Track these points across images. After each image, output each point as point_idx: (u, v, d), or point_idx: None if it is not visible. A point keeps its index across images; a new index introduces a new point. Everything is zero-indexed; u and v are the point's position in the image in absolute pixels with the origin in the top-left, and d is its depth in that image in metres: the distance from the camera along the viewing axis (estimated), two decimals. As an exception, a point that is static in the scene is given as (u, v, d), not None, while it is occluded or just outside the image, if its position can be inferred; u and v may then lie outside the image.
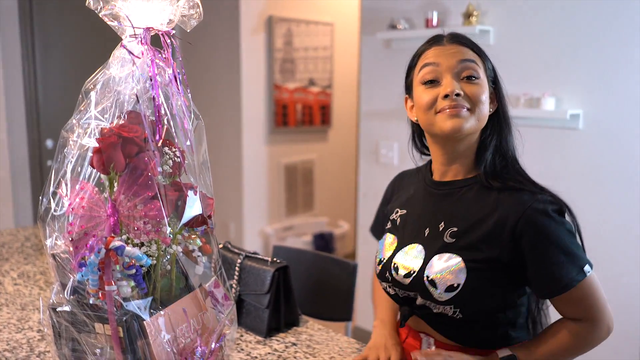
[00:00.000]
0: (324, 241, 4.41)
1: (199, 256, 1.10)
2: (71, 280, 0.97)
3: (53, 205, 1.00)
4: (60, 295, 0.99)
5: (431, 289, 1.16)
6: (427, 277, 1.17)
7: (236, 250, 1.54)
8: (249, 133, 4.10)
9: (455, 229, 1.19)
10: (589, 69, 2.29)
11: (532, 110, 2.41)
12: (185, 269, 1.10)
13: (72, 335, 0.98)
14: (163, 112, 1.02)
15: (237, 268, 1.49)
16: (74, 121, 1.01)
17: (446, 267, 1.15)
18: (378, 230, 1.49)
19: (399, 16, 2.91)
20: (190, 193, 1.02)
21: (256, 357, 1.32)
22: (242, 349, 1.36)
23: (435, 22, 2.73)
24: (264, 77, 4.18)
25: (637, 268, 2.23)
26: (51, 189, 1.00)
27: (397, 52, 2.98)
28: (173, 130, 1.03)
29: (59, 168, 1.01)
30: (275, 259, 1.46)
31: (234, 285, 1.48)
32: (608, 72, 2.24)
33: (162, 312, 0.98)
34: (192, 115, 1.08)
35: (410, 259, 1.23)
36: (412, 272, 1.21)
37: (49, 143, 3.80)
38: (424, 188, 1.31)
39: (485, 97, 1.18)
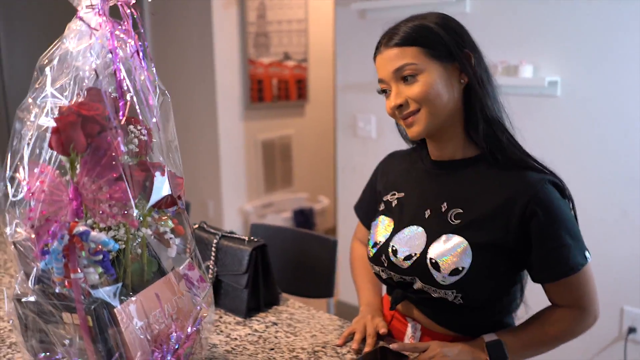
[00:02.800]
0: (304, 217, 4.38)
1: (171, 238, 1.05)
2: (35, 269, 0.92)
3: (11, 190, 0.94)
4: (25, 285, 0.94)
5: (434, 273, 1.13)
6: (431, 259, 1.13)
7: (212, 230, 1.50)
8: (225, 109, 4.02)
9: (460, 210, 1.15)
10: (567, 36, 2.26)
11: (510, 78, 2.38)
12: (157, 252, 1.05)
13: (39, 326, 0.94)
14: (125, 87, 0.96)
15: (213, 248, 1.44)
16: (30, 100, 0.95)
17: (451, 249, 1.12)
18: (363, 210, 1.45)
19: (373, -15, 2.84)
20: (157, 173, 0.97)
21: (236, 339, 1.29)
22: (222, 331, 1.33)
23: (410, -10, 2.66)
24: (238, 52, 4.09)
25: (617, 231, 2.24)
26: (8, 173, 0.94)
27: (373, 22, 2.92)
28: (137, 107, 0.98)
29: (16, 150, 0.94)
30: (252, 238, 1.42)
31: (210, 266, 1.44)
32: (586, 38, 2.21)
33: (133, 299, 0.94)
34: (158, 91, 1.02)
35: (410, 241, 1.18)
36: (413, 254, 1.17)
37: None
38: (422, 169, 1.27)
39: (432, 88, 1.12)
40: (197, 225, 1.54)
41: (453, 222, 1.15)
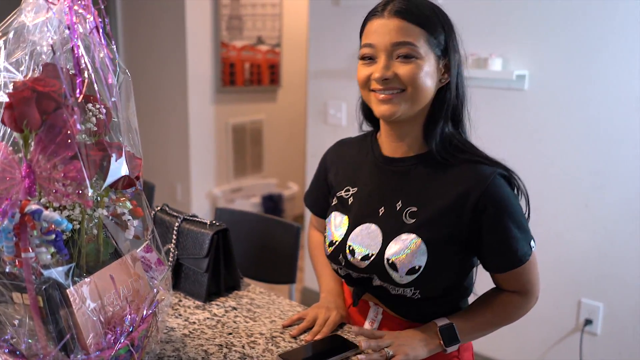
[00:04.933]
0: (273, 203, 4.37)
1: (129, 220, 1.03)
2: (-16, 247, 0.89)
3: (-38, 166, 0.91)
4: (-26, 264, 0.92)
5: (391, 272, 1.14)
6: (387, 260, 1.14)
7: (174, 213, 1.48)
8: (195, 92, 3.98)
9: (414, 209, 1.15)
10: (536, 30, 2.29)
11: (480, 70, 2.40)
12: (114, 234, 1.04)
13: (-12, 306, 0.91)
14: (83, 65, 0.94)
15: (174, 231, 1.43)
16: (-17, 74, 0.92)
17: (407, 249, 1.12)
18: (313, 199, 1.44)
19: (347, -29, 2.82)
20: (115, 153, 0.95)
21: (194, 323, 1.28)
22: (180, 315, 1.32)
23: (384, -22, 2.66)
24: (210, 34, 4.04)
25: (578, 224, 2.28)
26: (-42, 148, 0.91)
27: (346, 9, 2.90)
28: (96, 85, 0.95)
29: (-33, 126, 0.92)
30: (214, 222, 1.41)
31: (171, 249, 1.42)
32: (554, 33, 2.24)
33: (87, 280, 0.92)
34: (118, 70, 1.00)
35: (366, 240, 1.18)
36: (370, 254, 1.17)
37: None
38: (374, 163, 1.25)
39: (422, 75, 1.10)
40: (159, 208, 1.52)
41: (408, 221, 1.15)
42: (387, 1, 1.14)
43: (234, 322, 1.29)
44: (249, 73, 4.34)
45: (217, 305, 1.37)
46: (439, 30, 1.13)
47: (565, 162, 2.29)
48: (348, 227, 1.23)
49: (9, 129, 0.93)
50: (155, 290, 1.05)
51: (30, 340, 0.90)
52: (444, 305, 1.22)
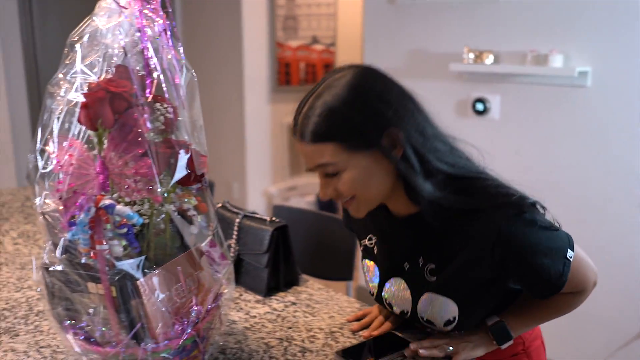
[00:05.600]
0: (327, 201, 4.38)
1: (194, 215, 1.07)
2: (62, 239, 0.94)
3: (41, 162, 0.97)
4: (52, 255, 0.97)
5: (430, 325, 1.14)
6: (422, 317, 1.14)
7: (235, 210, 1.52)
8: (251, 92, 4.04)
9: (432, 266, 1.12)
10: (599, 25, 2.22)
11: (539, 67, 2.35)
12: (180, 228, 1.08)
13: (65, 295, 0.97)
14: (153, 66, 0.98)
15: (235, 228, 1.47)
16: (60, 75, 0.97)
17: (436, 307, 1.11)
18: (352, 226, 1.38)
19: (403, -31, 2.82)
20: (182, 151, 0.99)
21: (255, 316, 1.31)
22: (242, 308, 1.35)
23: (441, -25, 2.64)
24: (266, 34, 4.09)
25: (642, 227, 2.21)
26: (39, 146, 0.97)
27: (402, 8, 2.89)
28: (164, 85, 1.00)
29: (46, 124, 0.97)
30: (274, 219, 1.44)
31: (232, 245, 1.46)
32: (618, 27, 2.17)
33: (156, 272, 0.96)
34: (185, 70, 1.04)
35: (398, 297, 1.18)
36: (406, 311, 1.17)
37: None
38: (385, 217, 1.17)
39: (358, 180, 1.03)
40: (220, 205, 1.56)
41: (430, 278, 1.12)
42: (294, 118, 1.07)
43: (294, 316, 1.31)
44: (304, 73, 4.38)
45: (277, 300, 1.40)
46: (349, 128, 1.01)
47: (630, 162, 2.21)
48: (380, 279, 1.22)
49: (84, 128, 0.98)
50: (218, 283, 1.09)
51: (103, 328, 0.95)
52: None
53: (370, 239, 1.25)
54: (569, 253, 1.07)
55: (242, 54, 3.94)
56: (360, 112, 1.00)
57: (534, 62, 2.38)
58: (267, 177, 4.28)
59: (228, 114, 4.13)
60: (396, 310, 1.19)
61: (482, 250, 1.05)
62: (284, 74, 4.22)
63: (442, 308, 1.11)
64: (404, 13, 2.87)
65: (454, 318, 1.10)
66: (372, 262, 1.24)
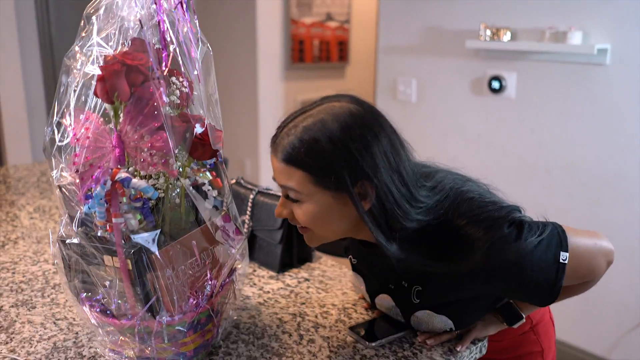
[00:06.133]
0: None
1: (208, 190, 1.07)
2: (78, 212, 0.95)
3: (58, 136, 0.97)
4: (69, 228, 0.98)
5: (427, 332, 1.13)
6: (417, 330, 1.14)
7: (249, 186, 1.52)
8: (265, 69, 4.02)
9: (419, 288, 1.08)
10: (619, 1, 2.17)
11: (557, 44, 2.31)
12: (195, 202, 1.08)
13: (81, 268, 0.98)
14: (168, 39, 0.97)
15: (249, 204, 1.47)
16: (77, 48, 0.97)
17: (429, 322, 1.10)
18: None
19: (420, -56, 2.77)
20: (198, 125, 0.99)
21: (268, 292, 1.32)
22: (255, 284, 1.36)
23: (458, -50, 2.59)
24: (280, 11, 4.06)
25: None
26: (55, 119, 0.97)
27: (418, -17, 2.85)
28: (180, 59, 0.99)
29: (63, 97, 0.97)
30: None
31: (246, 220, 1.47)
32: (636, 4, 2.12)
33: (170, 245, 0.97)
34: (200, 44, 1.03)
35: (391, 312, 1.17)
36: (400, 322, 1.16)
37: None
38: (361, 243, 1.14)
39: (317, 216, 0.99)
40: (234, 180, 1.56)
41: (416, 300, 1.09)
42: (277, 129, 1.04)
43: (307, 292, 1.32)
44: (318, 50, 4.34)
45: (290, 276, 1.40)
46: (328, 168, 0.96)
47: (648, 141, 2.18)
48: (369, 293, 1.20)
49: (100, 101, 0.98)
50: (233, 258, 1.09)
51: (119, 301, 0.95)
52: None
53: (351, 259, 1.22)
54: (562, 256, 1.00)
55: (256, 30, 3.91)
56: (341, 156, 0.95)
57: (552, 39, 2.34)
58: (279, 154, 4.27)
59: (242, 90, 4.12)
60: (393, 317, 1.18)
61: (464, 278, 1.02)
62: (297, 51, 4.19)
63: (435, 323, 1.09)
64: (420, -11, 2.83)
65: (451, 329, 1.10)
66: (359, 275, 1.21)
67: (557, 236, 1.01)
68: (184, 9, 1.01)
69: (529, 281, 0.99)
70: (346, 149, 0.95)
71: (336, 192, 0.98)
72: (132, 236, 0.92)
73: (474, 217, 1.00)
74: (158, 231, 0.95)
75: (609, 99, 2.27)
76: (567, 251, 1.00)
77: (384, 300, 1.16)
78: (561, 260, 1.00)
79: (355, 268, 1.22)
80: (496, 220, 0.99)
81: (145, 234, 0.93)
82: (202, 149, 1.01)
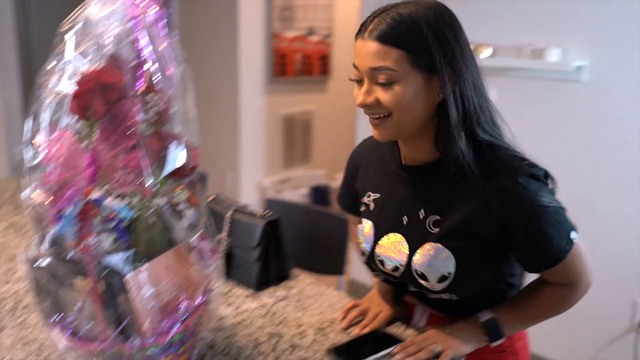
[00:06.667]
0: (321, 194, 4.38)
1: (185, 209, 1.06)
2: (50, 233, 0.93)
3: (30, 154, 0.95)
4: (40, 248, 0.95)
5: (422, 281, 1.13)
6: (416, 270, 1.13)
7: (227, 203, 1.51)
8: (247, 83, 4.01)
9: (437, 217, 1.12)
10: (596, 20, 2.21)
11: (536, 61, 2.34)
12: (169, 222, 1.06)
13: (52, 289, 0.95)
14: (146, 56, 0.96)
15: (227, 221, 1.45)
16: (51, 65, 0.95)
17: (434, 258, 1.11)
18: (346, 201, 1.42)
19: (402, -38, 2.79)
20: (174, 143, 0.97)
21: (245, 311, 1.30)
22: (232, 303, 1.34)
23: (439, -32, 2.62)
24: (262, 25, 4.06)
25: (634, 222, 2.20)
26: (28, 136, 0.94)
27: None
28: (157, 76, 0.97)
29: (37, 114, 0.95)
30: (265, 213, 1.42)
31: (223, 238, 1.45)
32: (616, 23, 2.16)
33: (144, 267, 0.95)
34: (178, 61, 1.02)
35: (393, 251, 1.17)
36: (398, 266, 1.16)
37: (43, 90, 3.72)
38: (394, 171, 1.21)
39: (405, 99, 1.04)
40: (212, 198, 1.55)
41: (432, 230, 1.12)
42: (372, 17, 1.06)
43: (284, 311, 1.30)
44: (300, 64, 4.35)
45: (267, 294, 1.39)
46: (424, 47, 1.02)
47: (621, 158, 2.21)
48: (374, 237, 1.21)
49: (75, 120, 0.96)
50: (208, 278, 1.07)
51: (90, 324, 0.93)
52: (489, 301, 1.19)
53: (368, 196, 1.25)
54: (573, 234, 1.08)
55: (238, 44, 3.91)
56: (437, 36, 1.02)
57: (531, 56, 2.37)
58: (260, 169, 4.26)
59: (223, 104, 4.10)
60: (388, 266, 1.18)
61: (491, 204, 1.06)
62: (279, 64, 4.19)
63: (440, 260, 1.10)
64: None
65: (449, 274, 1.09)
66: (368, 222, 1.23)
67: (571, 220, 1.09)
68: (163, 25, 1.00)
69: (543, 233, 1.05)
70: (440, 31, 1.03)
71: (427, 74, 1.04)
72: (104, 257, 0.90)
73: (520, 156, 1.09)
74: (132, 252, 0.93)
75: (586, 116, 2.30)
76: (576, 234, 1.08)
77: (390, 240, 1.17)
78: (571, 237, 1.08)
79: (366, 211, 1.24)
80: (538, 169, 1.08)
81: (118, 255, 0.91)
82: (178, 167, 0.99)
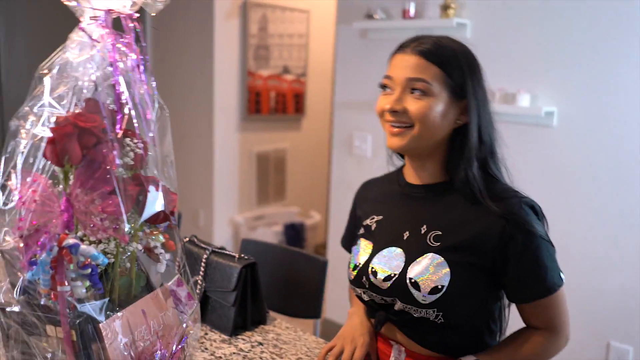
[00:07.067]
0: (295, 231, 4.36)
1: (161, 253, 1.04)
2: (21, 279, 0.90)
3: (2, 198, 0.93)
4: (10, 295, 0.92)
5: (414, 292, 1.13)
6: (410, 279, 1.14)
7: (203, 245, 1.49)
8: (221, 120, 4.02)
9: (439, 233, 1.16)
10: (565, 66, 2.28)
11: (507, 106, 2.39)
12: (145, 267, 1.04)
13: (22, 338, 0.92)
14: (124, 100, 0.95)
15: (202, 263, 1.43)
16: (27, 108, 0.94)
17: (430, 268, 1.12)
18: (349, 243, 1.44)
19: (376, 6, 2.85)
20: (152, 188, 0.96)
21: (220, 357, 1.27)
22: (207, 348, 1.31)
23: (412, 13, 2.68)
24: (238, 63, 4.09)
25: (607, 264, 2.24)
26: (0, 180, 0.92)
27: (374, 42, 2.93)
28: (135, 120, 0.97)
29: (10, 158, 0.93)
30: (243, 255, 1.41)
31: (199, 281, 1.43)
32: (584, 69, 2.23)
33: (119, 314, 0.92)
34: (157, 105, 1.02)
35: (389, 262, 1.19)
36: (392, 275, 1.17)
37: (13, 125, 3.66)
38: (399, 192, 1.28)
39: (432, 114, 1.13)
40: (187, 239, 1.53)
41: (432, 244, 1.16)
42: (414, 39, 1.18)
43: (260, 357, 1.28)
44: (275, 102, 4.38)
45: (243, 339, 1.36)
46: (458, 72, 1.14)
47: (593, 201, 2.25)
48: (372, 250, 1.24)
49: (50, 163, 0.94)
50: (184, 324, 1.05)
51: (61, 374, 0.90)
52: (468, 338, 1.19)
53: (372, 218, 1.29)
54: (562, 275, 1.15)
55: (213, 81, 3.92)
56: (469, 67, 1.16)
57: (502, 100, 2.42)
58: (234, 205, 4.23)
59: (197, 141, 4.09)
60: (380, 276, 1.18)
61: (495, 224, 1.11)
62: (254, 102, 4.21)
63: (436, 269, 1.12)
64: (375, 47, 2.91)
65: (442, 287, 1.11)
66: (367, 241, 1.26)
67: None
68: (141, 70, 1.00)
69: (540, 262, 1.11)
70: (472, 65, 1.17)
71: (454, 98, 1.14)
72: (78, 305, 0.88)
73: (519, 193, 1.17)
74: (106, 299, 0.91)
75: (557, 160, 2.35)
76: (564, 277, 1.15)
77: (387, 252, 1.20)
78: (562, 276, 1.14)
79: (366, 232, 1.29)
80: (534, 202, 1.16)
81: (92, 303, 0.89)
82: (156, 212, 0.98)
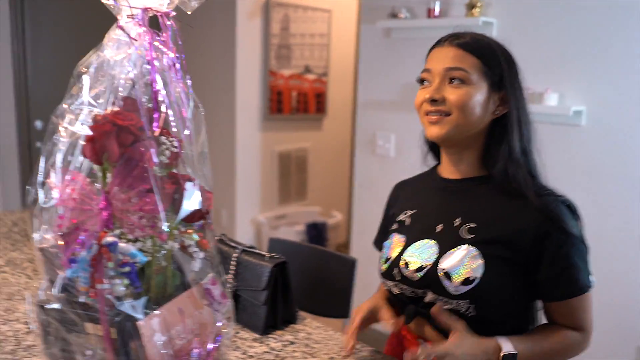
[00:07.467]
0: (316, 231, 4.36)
1: (195, 252, 1.04)
2: (60, 277, 0.90)
3: (41, 195, 0.93)
4: (49, 292, 0.93)
5: (446, 283, 1.13)
6: (442, 269, 1.14)
7: (232, 244, 1.49)
8: (243, 119, 4.03)
9: (473, 225, 1.16)
10: (593, 65, 2.25)
11: (535, 105, 2.36)
12: (181, 265, 1.04)
13: (61, 335, 0.92)
14: (161, 99, 0.96)
15: (233, 262, 1.43)
16: (65, 106, 0.94)
17: (463, 259, 1.12)
18: (382, 243, 1.42)
19: (400, 5, 2.84)
20: (188, 186, 0.96)
21: (252, 356, 1.27)
22: (239, 347, 1.31)
23: (437, 12, 2.66)
24: (259, 62, 4.10)
25: (638, 267, 2.20)
26: (39, 178, 0.93)
27: (397, 41, 2.91)
28: (171, 118, 0.97)
29: (48, 156, 0.94)
30: (273, 254, 1.40)
31: (229, 280, 1.43)
32: (612, 68, 2.19)
33: (157, 312, 0.92)
34: (192, 104, 1.02)
35: (422, 253, 1.19)
36: (424, 266, 1.17)
37: (38, 124, 3.71)
38: (433, 186, 1.28)
39: (470, 102, 1.14)
40: (217, 238, 1.53)
41: (466, 236, 1.16)
42: (451, 34, 1.20)
43: (292, 357, 1.27)
44: (296, 101, 4.38)
45: (274, 338, 1.36)
46: (496, 63, 1.16)
47: (623, 202, 2.22)
48: (405, 244, 1.25)
49: (87, 161, 0.95)
50: (219, 323, 1.05)
51: (100, 372, 0.90)
52: (498, 334, 1.17)
53: (405, 213, 1.30)
54: (593, 278, 1.15)
55: (235, 81, 3.94)
56: (507, 61, 1.18)
57: (530, 99, 2.39)
58: (256, 205, 4.24)
59: (219, 141, 4.11)
60: (411, 269, 1.18)
61: (531, 218, 1.11)
62: (276, 102, 4.22)
63: (470, 260, 1.12)
64: (399, 46, 2.89)
65: (475, 279, 1.10)
66: (400, 235, 1.27)
67: None
68: (177, 68, 1.00)
69: (573, 261, 1.11)
70: (510, 60, 1.19)
71: (492, 89, 1.16)
72: (117, 303, 0.88)
73: (557, 192, 1.18)
74: (145, 297, 0.91)
75: (585, 159, 2.32)
76: (594, 281, 1.15)
77: (420, 244, 1.20)
78: (591, 279, 1.14)
79: (399, 227, 1.29)
80: (573, 203, 1.18)
81: (131, 301, 0.89)
82: (192, 211, 0.98)
